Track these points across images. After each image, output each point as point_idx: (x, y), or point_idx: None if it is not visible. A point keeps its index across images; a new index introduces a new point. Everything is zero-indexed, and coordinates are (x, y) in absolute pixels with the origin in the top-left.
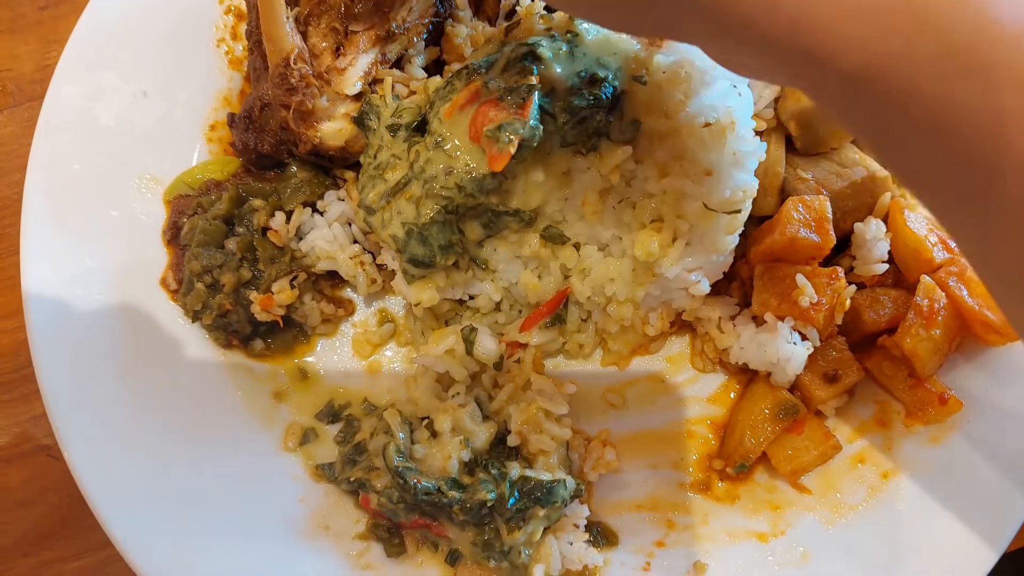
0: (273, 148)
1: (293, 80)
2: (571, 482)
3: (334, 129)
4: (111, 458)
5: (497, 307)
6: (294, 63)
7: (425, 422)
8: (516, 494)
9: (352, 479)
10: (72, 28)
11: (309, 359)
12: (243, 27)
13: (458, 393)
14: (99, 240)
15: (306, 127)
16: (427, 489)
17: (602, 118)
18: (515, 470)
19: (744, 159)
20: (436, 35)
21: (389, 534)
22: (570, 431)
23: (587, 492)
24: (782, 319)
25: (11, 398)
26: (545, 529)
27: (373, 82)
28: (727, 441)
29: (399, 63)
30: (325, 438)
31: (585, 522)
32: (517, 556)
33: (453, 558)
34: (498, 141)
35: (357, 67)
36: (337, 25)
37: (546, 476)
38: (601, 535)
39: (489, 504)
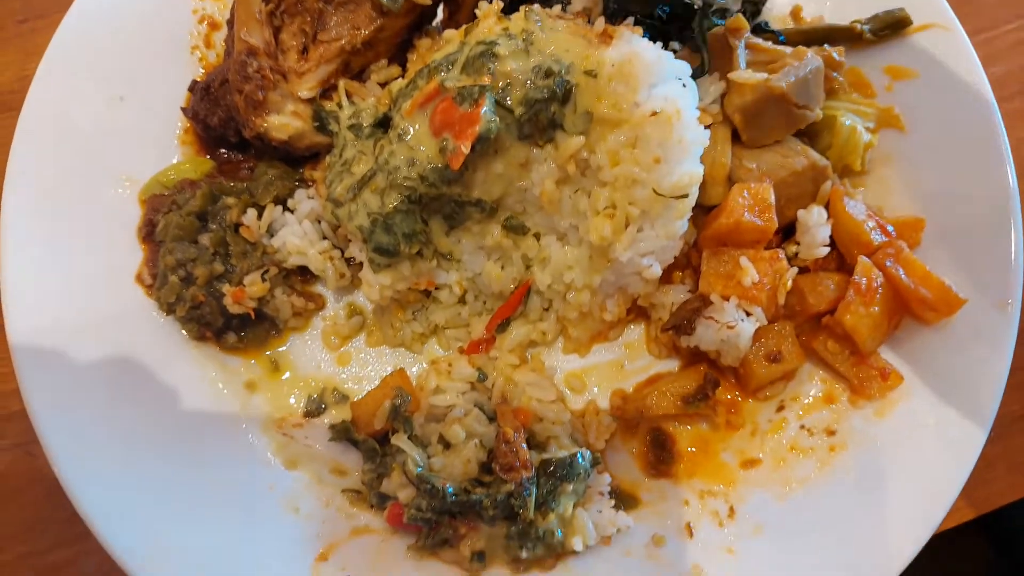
0: (221, 123)
1: (250, 70)
2: (586, 452)
3: (280, 122)
4: (88, 449)
5: (461, 299)
6: (256, 56)
7: (436, 437)
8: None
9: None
10: (49, 42)
11: (281, 349)
12: (216, 35)
13: (453, 406)
14: (76, 238)
15: (255, 115)
16: (455, 491)
17: (557, 109)
18: (531, 455)
19: (690, 146)
20: (401, 54)
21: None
22: (568, 412)
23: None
24: (727, 299)
25: None
26: (574, 505)
27: (330, 89)
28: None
29: (360, 75)
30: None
31: (609, 488)
32: (551, 537)
33: (479, 558)
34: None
35: (316, 74)
36: (307, 29)
37: (563, 453)
38: (620, 500)
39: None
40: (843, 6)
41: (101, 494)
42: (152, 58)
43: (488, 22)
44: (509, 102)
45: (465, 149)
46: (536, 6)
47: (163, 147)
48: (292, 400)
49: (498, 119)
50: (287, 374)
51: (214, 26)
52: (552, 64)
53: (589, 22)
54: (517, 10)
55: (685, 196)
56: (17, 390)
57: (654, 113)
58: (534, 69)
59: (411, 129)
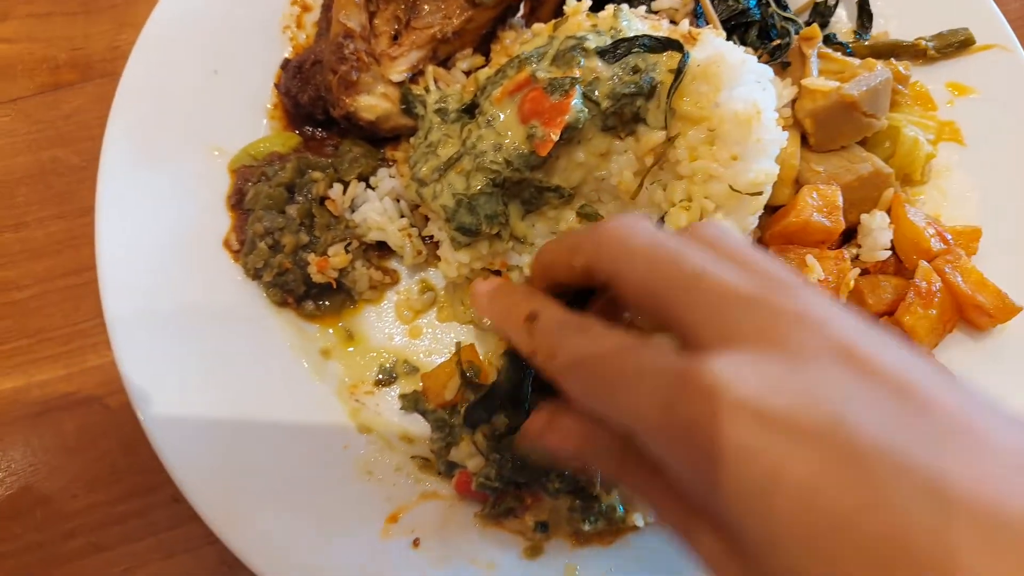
0: (310, 102)
1: (346, 52)
2: None
3: (369, 103)
4: (172, 402)
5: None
6: (352, 39)
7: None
8: None
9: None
10: (143, 14)
11: (355, 320)
12: (307, 16)
13: None
14: (168, 203)
15: (346, 94)
16: (523, 463)
17: (641, 104)
18: None
19: (767, 146)
20: (484, 44)
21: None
22: None
23: None
24: None
25: (68, 350)
26: None
27: (416, 74)
28: None
29: (445, 62)
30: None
31: None
32: (613, 512)
33: (542, 528)
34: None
35: (407, 59)
36: (400, 16)
37: None
38: None
39: None
40: (908, 23)
41: (183, 444)
42: (246, 36)
43: (577, 18)
44: (596, 95)
45: (554, 136)
46: (624, 5)
47: (252, 121)
48: (364, 369)
49: (586, 110)
50: (360, 344)
51: (305, 8)
52: (639, 61)
53: (672, 23)
54: (601, 9)
55: (760, 193)
56: (95, 344)
57: (735, 113)
58: (621, 65)
59: (500, 116)
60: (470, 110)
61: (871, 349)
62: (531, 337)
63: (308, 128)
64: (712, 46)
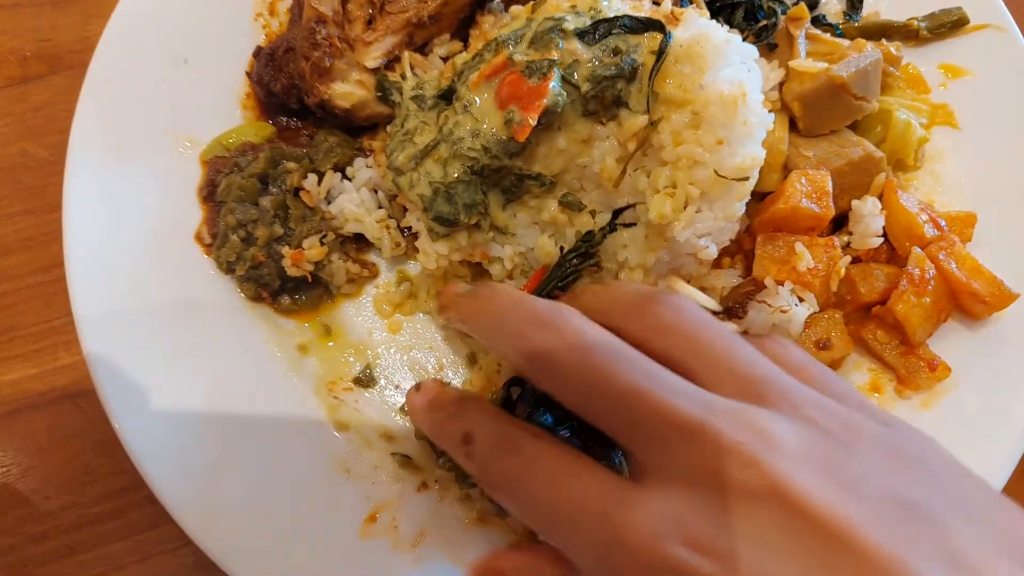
0: (284, 90)
1: (319, 38)
2: None
3: (344, 91)
4: (144, 401)
5: (509, 275)
6: (325, 24)
7: None
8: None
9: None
10: (112, 4)
11: (333, 314)
12: (280, 3)
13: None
14: (138, 196)
15: (320, 82)
16: None
17: (623, 87)
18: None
19: (754, 129)
20: (462, 30)
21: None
22: None
23: None
24: (781, 283)
25: (39, 348)
26: None
27: (392, 60)
28: None
29: (422, 48)
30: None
31: None
32: None
33: None
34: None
35: (382, 44)
36: (375, 0)
37: None
38: None
39: None
40: (899, 3)
41: (155, 445)
42: (217, 23)
43: None
44: (576, 78)
45: (532, 121)
46: None
47: (225, 111)
48: (343, 365)
49: (565, 93)
50: (339, 339)
51: None
52: (619, 43)
53: (654, 3)
54: None
55: (747, 179)
56: (66, 342)
57: (720, 95)
58: (601, 47)
59: (476, 101)
60: (447, 96)
61: (807, 487)
62: (470, 461)
63: (282, 118)
64: (695, 26)
